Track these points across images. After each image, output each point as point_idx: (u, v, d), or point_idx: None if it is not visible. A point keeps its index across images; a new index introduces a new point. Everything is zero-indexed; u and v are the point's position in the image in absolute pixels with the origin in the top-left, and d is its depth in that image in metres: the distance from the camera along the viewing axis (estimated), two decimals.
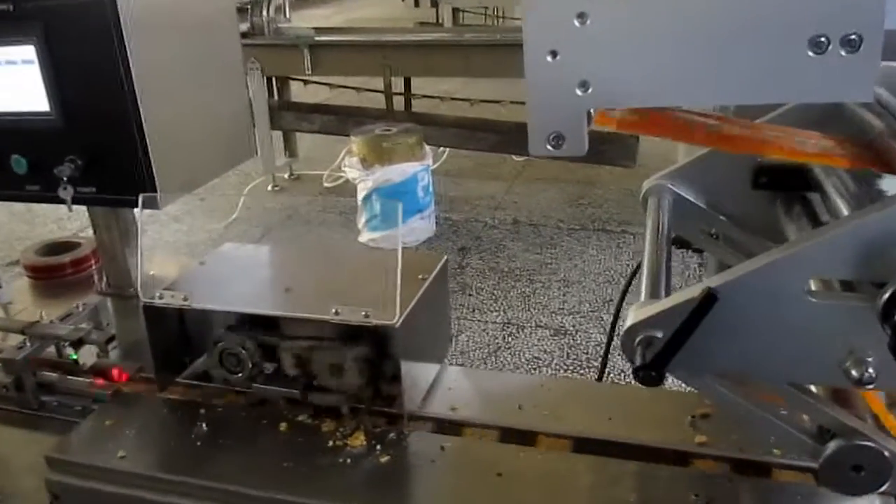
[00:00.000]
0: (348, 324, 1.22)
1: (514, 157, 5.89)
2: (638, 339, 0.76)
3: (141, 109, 1.28)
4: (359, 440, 1.22)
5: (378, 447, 1.20)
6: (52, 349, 1.43)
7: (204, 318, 1.34)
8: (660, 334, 0.75)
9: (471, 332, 3.85)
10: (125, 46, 1.23)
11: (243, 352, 1.29)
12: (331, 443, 1.22)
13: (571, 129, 0.71)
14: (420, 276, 1.33)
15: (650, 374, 0.74)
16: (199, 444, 1.23)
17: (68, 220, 4.83)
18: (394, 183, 4.66)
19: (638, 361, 0.75)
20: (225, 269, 1.47)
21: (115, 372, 1.40)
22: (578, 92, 0.69)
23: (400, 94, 6.68)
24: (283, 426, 1.26)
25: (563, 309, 4.03)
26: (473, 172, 6.02)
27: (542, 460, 1.16)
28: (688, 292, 0.74)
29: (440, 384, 1.38)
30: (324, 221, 5.33)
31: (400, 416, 1.25)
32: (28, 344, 1.39)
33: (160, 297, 1.30)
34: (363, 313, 1.21)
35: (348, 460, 1.18)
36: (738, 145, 0.91)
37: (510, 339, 3.79)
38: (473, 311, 4.05)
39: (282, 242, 4.98)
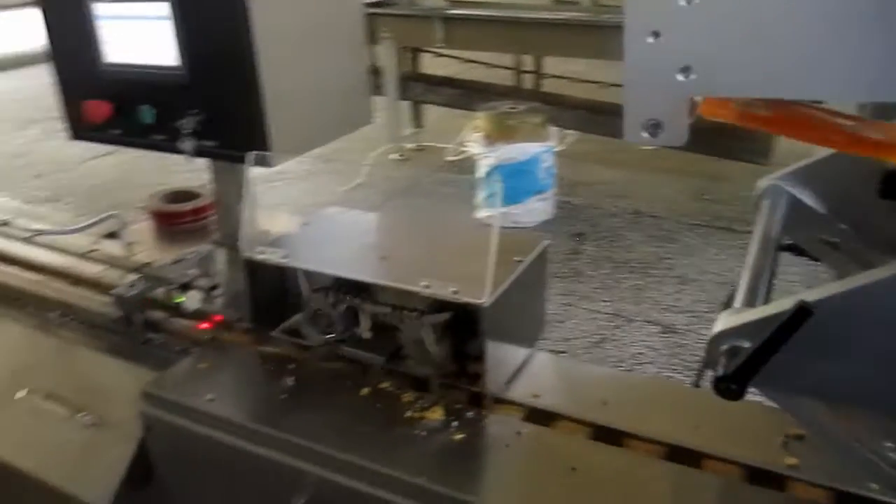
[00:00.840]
0: (436, 298, 1.22)
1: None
2: (723, 348, 0.71)
3: (260, 69, 1.31)
4: (437, 414, 1.22)
5: (455, 424, 1.20)
6: (162, 290, 1.51)
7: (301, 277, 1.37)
8: (747, 345, 0.70)
9: (577, 319, 3.77)
10: (248, 8, 1.26)
11: (335, 313, 1.32)
12: (409, 413, 1.22)
13: (670, 117, 0.66)
14: (516, 258, 1.31)
15: (730, 386, 0.69)
16: (283, 396, 1.27)
17: (203, 172, 5.08)
18: (516, 161, 4.61)
19: (720, 372, 0.70)
20: (326, 232, 1.50)
21: (215, 318, 1.46)
22: (680, 77, 0.64)
23: (530, 72, 6.58)
24: (365, 391, 1.28)
25: (675, 306, 3.88)
26: (598, 158, 5.86)
27: (619, 461, 1.12)
28: (782, 303, 0.68)
29: (527, 369, 1.35)
30: (443, 194, 5.36)
31: (481, 395, 1.24)
32: (140, 283, 1.47)
33: (260, 253, 1.34)
34: (452, 289, 1.20)
35: (423, 433, 1.18)
36: (877, 151, 0.82)
37: (617, 331, 3.69)
38: (582, 298, 3.97)
39: (396, 210, 5.04)
